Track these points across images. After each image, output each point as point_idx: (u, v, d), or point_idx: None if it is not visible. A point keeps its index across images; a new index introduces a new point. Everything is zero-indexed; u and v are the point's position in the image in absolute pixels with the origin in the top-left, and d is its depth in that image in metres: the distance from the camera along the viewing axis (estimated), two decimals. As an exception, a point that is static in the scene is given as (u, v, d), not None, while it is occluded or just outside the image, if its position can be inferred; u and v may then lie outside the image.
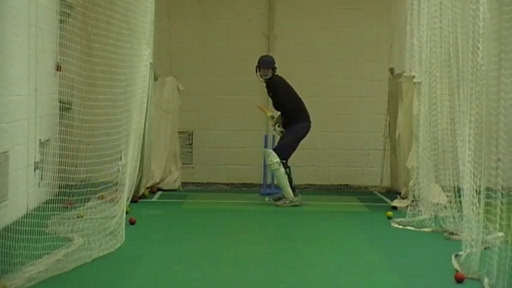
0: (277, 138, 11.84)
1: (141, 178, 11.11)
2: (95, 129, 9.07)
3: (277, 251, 8.11)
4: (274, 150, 11.40)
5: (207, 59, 13.56)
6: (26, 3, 9.20)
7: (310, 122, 11.45)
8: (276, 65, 11.45)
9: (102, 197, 9.47)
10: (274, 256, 7.85)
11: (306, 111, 11.47)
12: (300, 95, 11.49)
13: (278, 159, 11.19)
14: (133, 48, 9.78)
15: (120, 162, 9.14)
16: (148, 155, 11.31)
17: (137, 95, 9.77)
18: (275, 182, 12.01)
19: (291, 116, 11.40)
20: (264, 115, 12.30)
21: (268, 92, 11.62)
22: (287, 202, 11.22)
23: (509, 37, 6.57)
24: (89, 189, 8.83)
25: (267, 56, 11.89)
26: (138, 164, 10.64)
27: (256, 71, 11.49)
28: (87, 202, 9.14)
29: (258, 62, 11.50)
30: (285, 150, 11.32)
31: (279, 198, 11.40)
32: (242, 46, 13.53)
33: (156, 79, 11.98)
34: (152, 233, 9.05)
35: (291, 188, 11.27)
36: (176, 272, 7.02)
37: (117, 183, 9.01)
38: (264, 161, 12.57)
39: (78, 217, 8.81)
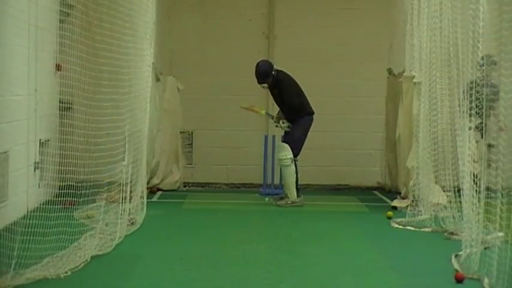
0: (279, 136, 11.74)
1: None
2: (95, 129, 9.06)
3: (277, 251, 8.11)
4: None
5: (207, 58, 13.56)
6: (26, 3, 9.19)
7: (313, 113, 11.31)
8: (272, 70, 11.18)
9: (105, 198, 9.43)
10: (274, 256, 7.86)
11: (308, 102, 11.31)
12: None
13: (292, 155, 11.03)
14: (135, 48, 9.77)
15: (123, 162, 9.11)
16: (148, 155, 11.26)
17: (140, 95, 9.75)
18: (283, 181, 11.43)
19: (298, 109, 11.21)
20: (256, 115, 12.18)
21: (272, 90, 11.33)
22: (289, 202, 11.14)
23: (509, 37, 6.57)
24: (90, 190, 8.80)
25: (259, 66, 11.28)
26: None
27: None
28: (91, 203, 9.08)
29: (256, 77, 11.19)
30: (296, 145, 11.13)
31: (281, 198, 11.36)
32: (242, 46, 13.54)
33: (158, 79, 11.97)
34: (152, 233, 9.04)
35: (296, 188, 11.17)
36: (176, 272, 7.03)
37: (120, 183, 8.99)
38: (264, 161, 12.58)
39: (88, 218, 8.79)
